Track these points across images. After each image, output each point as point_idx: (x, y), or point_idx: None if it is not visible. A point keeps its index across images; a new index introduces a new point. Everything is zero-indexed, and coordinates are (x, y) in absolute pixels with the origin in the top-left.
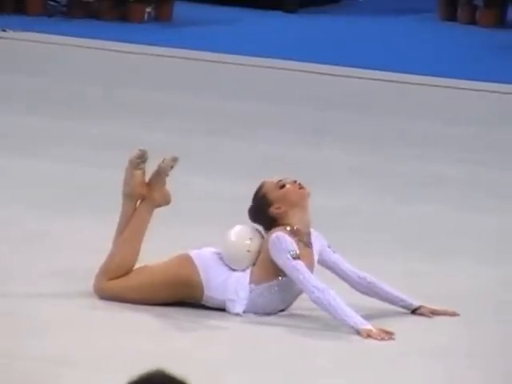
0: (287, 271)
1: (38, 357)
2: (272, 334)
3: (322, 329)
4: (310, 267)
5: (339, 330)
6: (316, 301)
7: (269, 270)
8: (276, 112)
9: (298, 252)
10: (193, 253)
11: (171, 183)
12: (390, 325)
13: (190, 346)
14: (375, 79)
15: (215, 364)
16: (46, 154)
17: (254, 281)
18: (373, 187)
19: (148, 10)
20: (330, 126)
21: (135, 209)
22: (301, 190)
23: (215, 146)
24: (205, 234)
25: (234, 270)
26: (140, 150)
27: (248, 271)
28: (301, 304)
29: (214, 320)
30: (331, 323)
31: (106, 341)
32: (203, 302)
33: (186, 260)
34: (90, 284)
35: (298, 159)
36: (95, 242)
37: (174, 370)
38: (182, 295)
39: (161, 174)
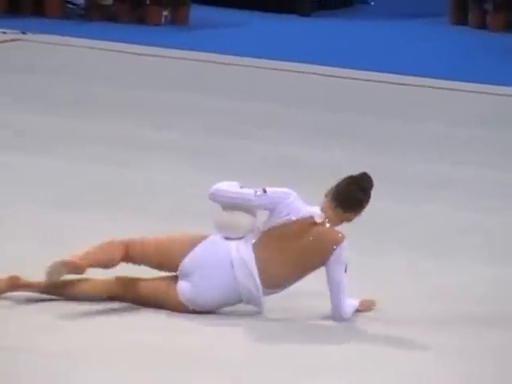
0: (334, 281)
1: (47, 352)
2: (283, 331)
3: (333, 326)
4: None
5: (350, 327)
6: (339, 321)
7: (295, 270)
8: (289, 114)
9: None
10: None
11: (182, 183)
12: (395, 324)
13: (201, 343)
14: (386, 82)
15: (226, 361)
16: (63, 153)
17: (267, 285)
18: (380, 188)
19: (165, 13)
20: (340, 127)
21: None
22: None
23: (227, 146)
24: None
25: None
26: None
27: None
28: (309, 302)
29: (224, 317)
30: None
31: (116, 337)
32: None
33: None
34: None
35: (310, 160)
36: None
37: (186, 366)
38: None
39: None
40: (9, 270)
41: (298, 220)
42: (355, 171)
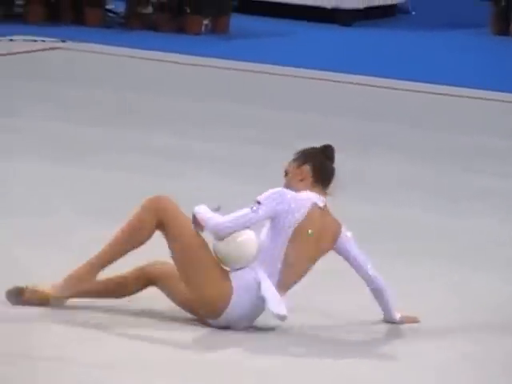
0: (356, 256)
1: (87, 362)
2: (314, 344)
3: (366, 339)
4: None
5: (379, 338)
6: (376, 287)
7: (310, 261)
8: (327, 123)
9: None
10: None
11: (218, 193)
12: (431, 335)
13: (241, 355)
14: (426, 92)
15: (266, 374)
16: (102, 162)
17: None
18: (415, 197)
19: (205, 22)
20: (377, 137)
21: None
22: None
23: (264, 156)
24: None
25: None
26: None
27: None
28: (336, 315)
29: (261, 330)
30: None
31: (150, 347)
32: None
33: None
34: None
35: (347, 169)
36: (148, 249)
37: (225, 379)
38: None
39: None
40: (46, 281)
41: (308, 212)
42: (392, 181)
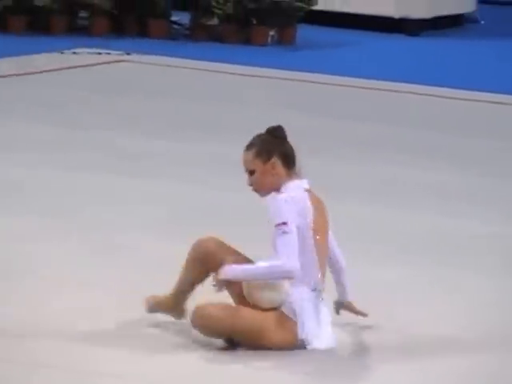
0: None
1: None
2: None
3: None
4: None
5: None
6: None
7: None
8: (392, 134)
9: None
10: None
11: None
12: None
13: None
14: (494, 102)
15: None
16: (167, 175)
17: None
18: (475, 211)
19: (271, 33)
20: (441, 147)
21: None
22: None
23: (327, 167)
24: None
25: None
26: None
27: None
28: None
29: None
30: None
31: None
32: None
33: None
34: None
35: (411, 180)
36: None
37: None
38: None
39: None
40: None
41: (310, 202)
42: (455, 193)
